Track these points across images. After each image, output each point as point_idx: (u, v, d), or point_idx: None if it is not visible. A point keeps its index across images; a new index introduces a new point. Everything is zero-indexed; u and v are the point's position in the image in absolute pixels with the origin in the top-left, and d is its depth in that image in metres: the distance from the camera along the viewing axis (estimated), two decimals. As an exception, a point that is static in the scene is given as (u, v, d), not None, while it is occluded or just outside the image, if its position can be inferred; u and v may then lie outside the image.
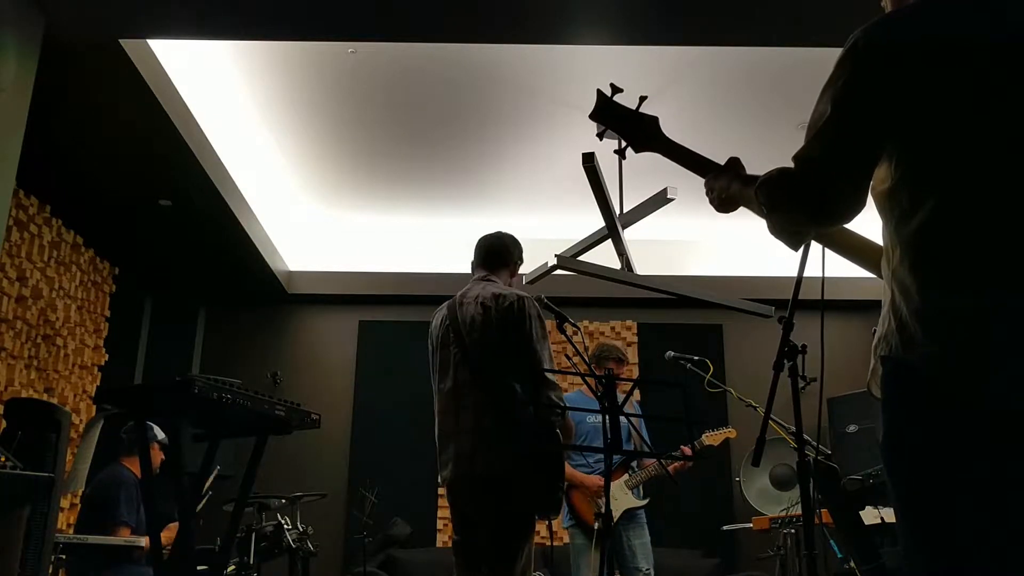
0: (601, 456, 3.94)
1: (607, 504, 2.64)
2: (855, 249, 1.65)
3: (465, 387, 2.93)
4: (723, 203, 1.63)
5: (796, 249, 1.59)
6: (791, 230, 1.52)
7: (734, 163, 1.64)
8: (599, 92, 1.82)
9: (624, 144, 1.89)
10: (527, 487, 2.81)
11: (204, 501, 4.35)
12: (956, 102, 1.32)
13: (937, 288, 1.30)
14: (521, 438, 2.81)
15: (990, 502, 1.25)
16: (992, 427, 1.24)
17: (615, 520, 4.23)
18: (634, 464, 4.36)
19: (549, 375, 2.88)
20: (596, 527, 4.13)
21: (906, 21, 1.40)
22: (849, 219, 1.41)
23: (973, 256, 1.29)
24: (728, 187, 1.60)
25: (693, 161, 1.71)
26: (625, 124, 1.80)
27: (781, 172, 1.43)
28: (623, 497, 4.31)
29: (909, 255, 1.34)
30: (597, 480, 4.25)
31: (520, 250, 3.30)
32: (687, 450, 4.28)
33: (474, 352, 2.93)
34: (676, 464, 4.34)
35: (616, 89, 1.91)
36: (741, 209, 1.70)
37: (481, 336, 2.93)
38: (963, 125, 1.32)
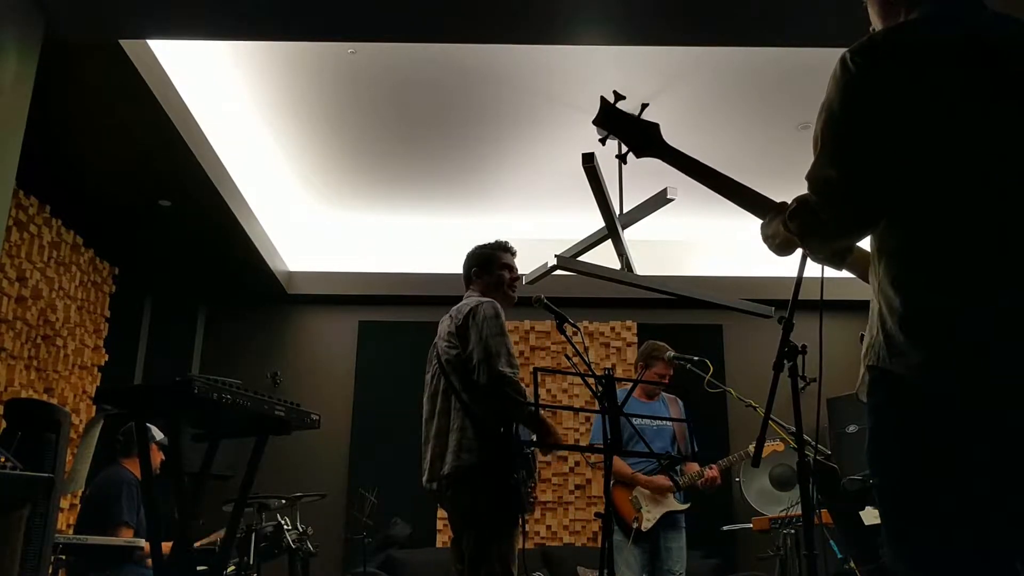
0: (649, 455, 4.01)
1: (607, 506, 2.66)
2: (856, 261, 1.69)
3: (439, 394, 3.12)
4: (780, 247, 1.61)
5: (840, 268, 1.63)
6: (830, 250, 1.57)
7: (783, 206, 1.58)
8: (602, 99, 1.88)
9: (625, 149, 1.93)
10: (487, 485, 2.92)
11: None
12: (938, 117, 1.37)
13: (920, 298, 1.34)
14: (482, 434, 2.95)
15: (968, 498, 1.28)
16: (975, 428, 1.28)
17: (655, 521, 4.25)
18: (678, 468, 4.37)
19: (508, 372, 2.96)
20: (635, 526, 4.15)
21: (891, 39, 1.46)
22: (878, 224, 1.43)
23: (955, 266, 1.33)
24: (778, 231, 1.58)
25: (692, 167, 1.76)
26: (627, 130, 1.86)
27: (801, 201, 1.46)
28: (665, 500, 4.32)
29: (894, 266, 1.38)
30: (661, 481, 4.26)
31: (486, 258, 3.38)
32: (715, 469, 4.34)
33: (444, 359, 3.13)
34: (706, 478, 4.35)
35: (619, 96, 1.96)
36: (741, 209, 1.71)
37: (448, 344, 3.13)
38: (945, 137, 1.36)
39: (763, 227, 1.65)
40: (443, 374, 3.12)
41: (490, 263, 3.36)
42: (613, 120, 1.87)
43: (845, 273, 1.70)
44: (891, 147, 1.38)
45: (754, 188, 1.70)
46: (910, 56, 1.40)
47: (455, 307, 3.24)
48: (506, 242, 3.42)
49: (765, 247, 1.65)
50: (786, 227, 1.50)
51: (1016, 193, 1.33)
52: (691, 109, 4.92)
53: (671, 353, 4.42)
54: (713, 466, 4.39)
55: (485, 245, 3.42)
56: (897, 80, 1.38)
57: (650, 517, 4.25)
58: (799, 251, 1.63)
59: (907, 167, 1.37)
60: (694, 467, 4.40)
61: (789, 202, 1.53)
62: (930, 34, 1.44)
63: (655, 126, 1.84)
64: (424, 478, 3.09)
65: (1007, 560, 1.29)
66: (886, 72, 1.39)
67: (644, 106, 4.76)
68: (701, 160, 1.75)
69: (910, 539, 1.34)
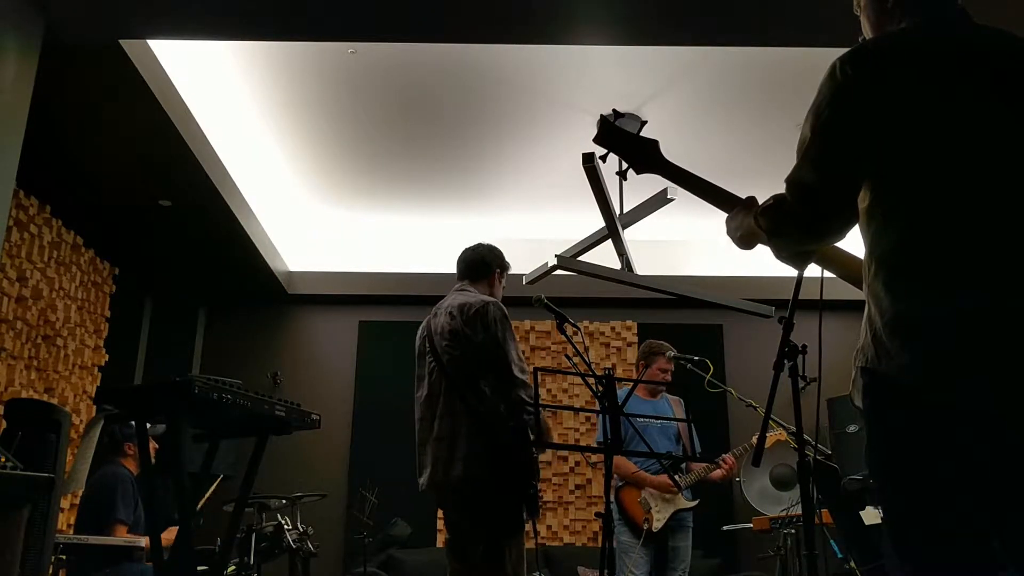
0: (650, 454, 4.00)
1: (606, 507, 2.67)
2: (843, 264, 1.72)
3: (439, 395, 3.04)
4: (742, 240, 1.68)
5: (802, 269, 1.67)
6: (795, 251, 1.60)
7: (751, 201, 1.69)
8: (602, 117, 1.93)
9: (625, 166, 1.96)
10: (501, 488, 2.89)
11: (204, 500, 4.35)
12: (925, 124, 1.39)
13: (908, 300, 1.36)
14: (492, 440, 2.89)
15: (964, 499, 1.30)
16: (968, 429, 1.30)
17: (665, 521, 4.24)
18: (683, 466, 4.37)
19: (519, 375, 2.93)
20: (645, 527, 4.14)
21: (880, 49, 1.48)
22: (845, 232, 1.49)
23: (942, 269, 1.34)
24: (742, 224, 1.67)
25: (691, 182, 1.79)
26: (627, 148, 1.90)
27: (777, 200, 1.51)
28: (674, 498, 4.31)
29: (883, 270, 1.40)
30: (659, 480, 4.25)
31: (499, 259, 3.39)
32: (730, 459, 4.33)
33: (445, 360, 3.04)
34: (721, 471, 4.35)
35: (618, 115, 1.99)
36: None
37: (450, 344, 3.05)
38: (932, 145, 1.38)
39: (728, 220, 1.71)
40: (444, 375, 3.04)
41: (502, 271, 3.39)
42: (613, 138, 1.90)
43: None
44: (872, 158, 1.41)
45: (754, 188, 1.71)
46: (901, 61, 1.42)
47: (453, 302, 3.15)
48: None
49: (729, 239, 1.73)
50: (757, 222, 1.55)
51: (1005, 197, 1.34)
52: (692, 109, 4.92)
53: (672, 352, 4.43)
54: (727, 456, 4.38)
55: (499, 251, 3.41)
56: (887, 84, 1.40)
57: (660, 517, 4.25)
58: (799, 270, 1.69)
59: (898, 169, 1.39)
60: (699, 467, 4.39)
61: (755, 197, 1.60)
62: (921, 40, 1.45)
63: (654, 143, 1.87)
64: (424, 479, 3.03)
65: (1003, 558, 1.30)
66: (876, 77, 1.40)
67: (643, 124, 4.75)
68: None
69: (910, 540, 1.35)
